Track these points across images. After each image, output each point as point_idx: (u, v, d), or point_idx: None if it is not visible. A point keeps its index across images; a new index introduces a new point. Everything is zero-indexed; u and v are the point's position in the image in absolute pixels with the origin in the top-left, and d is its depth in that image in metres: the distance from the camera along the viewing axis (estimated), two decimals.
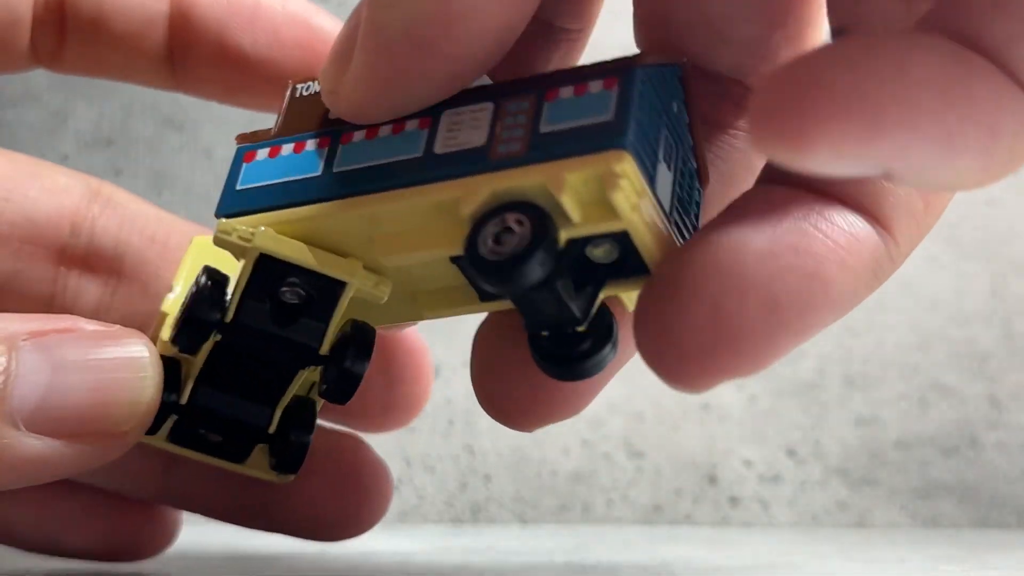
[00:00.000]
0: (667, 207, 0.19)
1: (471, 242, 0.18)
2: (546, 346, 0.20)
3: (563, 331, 0.20)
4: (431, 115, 0.19)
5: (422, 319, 0.22)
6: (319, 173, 0.20)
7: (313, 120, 0.21)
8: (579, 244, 0.19)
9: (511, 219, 0.18)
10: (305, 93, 0.21)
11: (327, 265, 0.20)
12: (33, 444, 0.20)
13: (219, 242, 0.20)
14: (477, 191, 0.18)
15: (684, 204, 0.20)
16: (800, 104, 0.15)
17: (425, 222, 0.19)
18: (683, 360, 0.17)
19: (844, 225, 0.18)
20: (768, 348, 0.18)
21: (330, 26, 0.27)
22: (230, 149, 0.23)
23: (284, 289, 0.20)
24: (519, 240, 0.18)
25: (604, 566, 0.28)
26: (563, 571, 0.27)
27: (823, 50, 0.15)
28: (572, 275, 0.19)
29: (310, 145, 0.21)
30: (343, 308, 0.21)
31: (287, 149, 0.21)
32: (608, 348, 0.20)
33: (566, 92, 0.19)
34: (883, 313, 0.42)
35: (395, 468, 0.41)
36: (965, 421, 0.42)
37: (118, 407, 0.21)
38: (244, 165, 0.21)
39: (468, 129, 0.19)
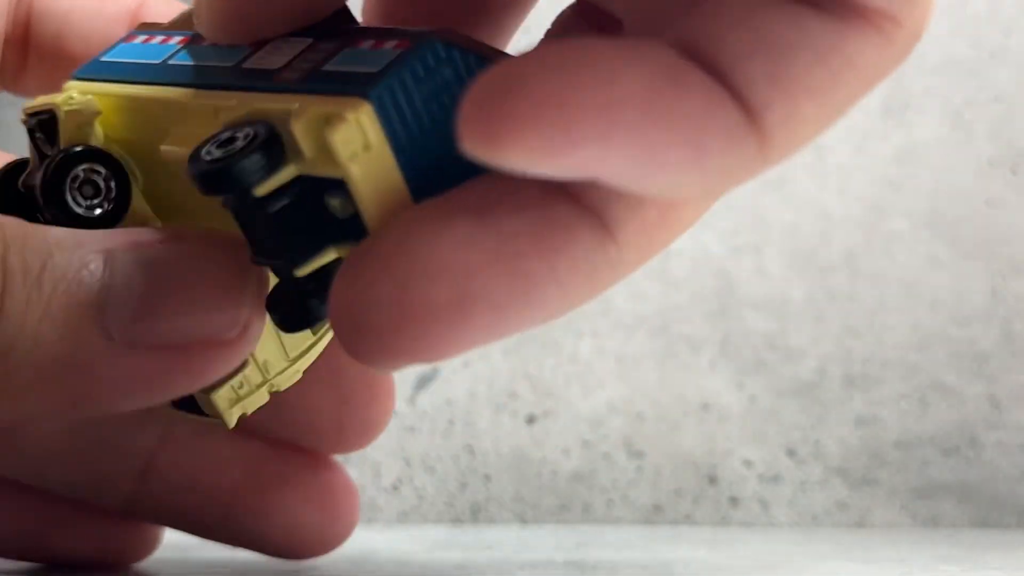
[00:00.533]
0: (422, 184, 0.18)
1: (198, 146, 0.18)
2: (278, 289, 0.20)
3: (286, 275, 0.19)
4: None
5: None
6: (157, 61, 0.21)
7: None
8: (317, 189, 0.18)
9: (240, 133, 0.18)
10: None
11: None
12: (132, 359, 0.19)
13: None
14: (237, 106, 0.19)
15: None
16: (499, 106, 0.15)
17: (201, 127, 0.19)
18: (367, 338, 0.17)
19: (559, 225, 0.17)
20: (455, 340, 0.17)
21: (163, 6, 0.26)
22: None
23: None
24: (236, 146, 0.18)
25: (604, 566, 0.28)
26: (563, 571, 0.27)
27: (536, 52, 0.15)
28: (304, 220, 0.19)
29: (174, 40, 0.21)
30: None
31: (157, 39, 0.21)
32: (319, 310, 0.19)
33: (367, 44, 0.19)
34: (883, 313, 0.42)
35: (395, 468, 0.41)
36: (965, 421, 0.42)
37: (220, 314, 0.20)
38: (120, 43, 0.22)
39: (276, 54, 0.19)
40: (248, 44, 0.20)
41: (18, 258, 0.19)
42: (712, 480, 0.41)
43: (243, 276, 0.20)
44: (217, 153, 0.18)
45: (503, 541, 0.35)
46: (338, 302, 0.17)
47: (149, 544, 0.29)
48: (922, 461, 0.42)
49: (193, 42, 0.21)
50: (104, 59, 0.22)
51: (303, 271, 0.19)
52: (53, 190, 0.21)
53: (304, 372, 0.22)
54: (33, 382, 0.19)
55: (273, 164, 0.18)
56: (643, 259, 0.18)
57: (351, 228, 0.18)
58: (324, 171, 0.18)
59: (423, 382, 0.41)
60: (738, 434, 0.42)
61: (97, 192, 0.21)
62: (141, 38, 0.22)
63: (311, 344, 0.22)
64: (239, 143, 0.18)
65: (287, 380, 0.22)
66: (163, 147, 0.20)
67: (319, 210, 0.18)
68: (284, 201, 0.18)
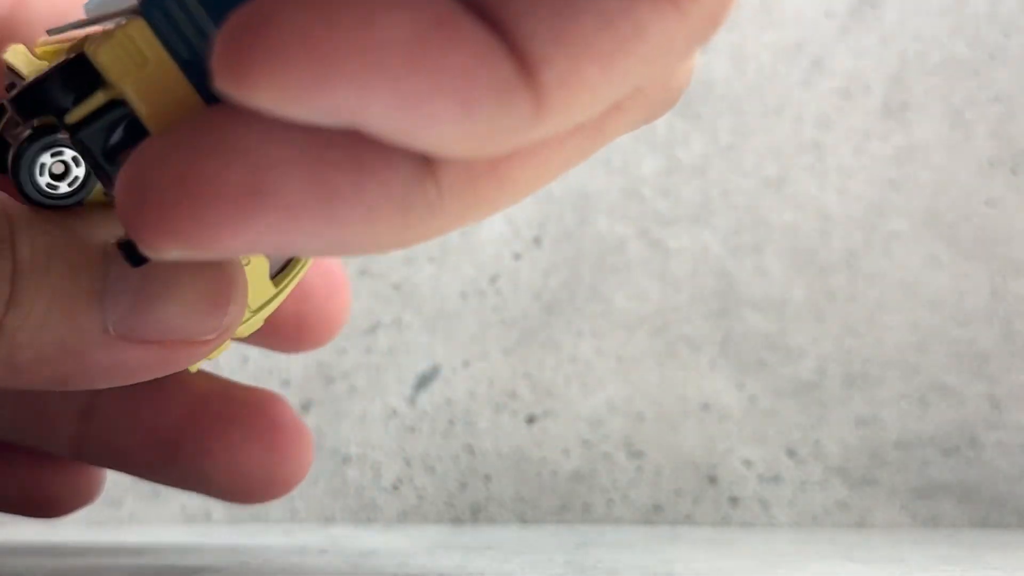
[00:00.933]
0: (201, 78, 0.18)
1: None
2: None
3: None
4: None
5: None
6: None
7: None
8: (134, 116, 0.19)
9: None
10: None
11: None
12: (121, 350, 0.20)
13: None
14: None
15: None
16: (249, 41, 0.14)
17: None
18: (146, 213, 0.16)
19: (376, 148, 0.16)
20: (238, 232, 0.16)
21: None
22: None
23: None
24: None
25: (604, 566, 0.28)
26: (563, 571, 0.27)
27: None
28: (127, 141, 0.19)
29: None
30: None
31: None
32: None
33: None
34: (883, 313, 0.42)
35: (395, 468, 0.41)
36: (965, 421, 0.42)
37: (208, 317, 0.20)
38: None
39: None
40: None
41: (28, 247, 0.20)
42: (712, 480, 0.41)
43: (231, 279, 0.20)
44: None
45: (503, 541, 0.35)
46: (124, 177, 0.16)
47: (90, 490, 0.28)
48: (922, 461, 0.42)
49: None
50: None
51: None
52: (20, 170, 0.21)
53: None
54: (32, 362, 0.20)
55: (83, 88, 0.18)
56: (465, 214, 0.17)
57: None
58: (115, 94, 0.18)
59: (423, 382, 0.41)
60: (738, 434, 0.42)
61: (66, 172, 0.21)
62: None
63: (273, 296, 0.22)
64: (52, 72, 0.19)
65: (249, 329, 0.22)
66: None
67: (140, 134, 0.19)
68: (100, 125, 0.19)
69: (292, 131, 0.16)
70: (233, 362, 0.42)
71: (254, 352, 0.42)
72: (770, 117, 0.42)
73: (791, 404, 0.42)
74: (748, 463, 0.42)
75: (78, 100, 0.19)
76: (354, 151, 0.16)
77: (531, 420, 0.42)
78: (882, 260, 0.42)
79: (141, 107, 0.18)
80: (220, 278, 0.20)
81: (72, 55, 0.19)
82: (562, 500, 0.41)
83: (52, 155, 0.20)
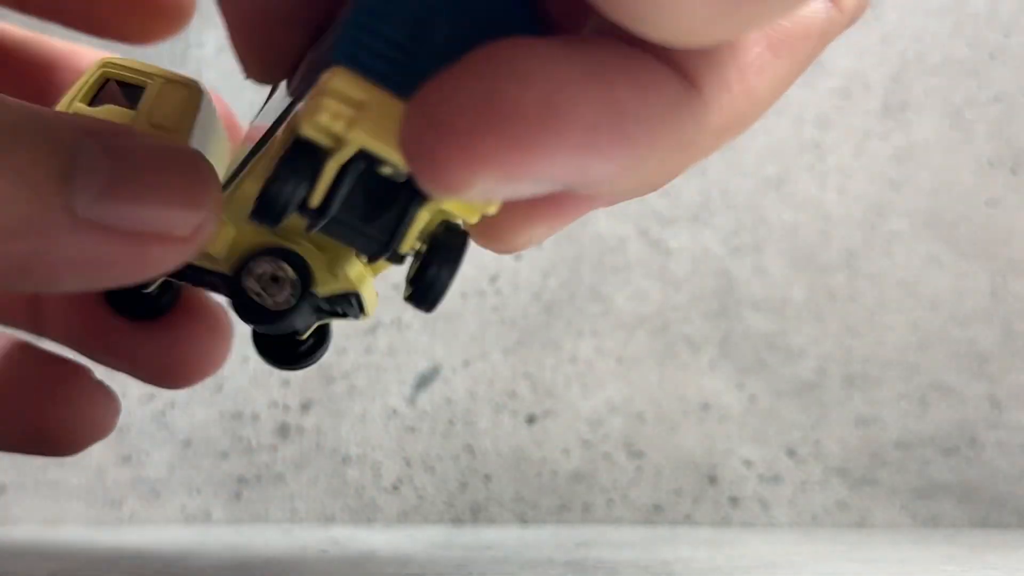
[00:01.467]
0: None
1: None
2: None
3: (396, 259, 0.20)
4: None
5: None
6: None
7: None
8: (369, 166, 0.18)
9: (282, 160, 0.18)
10: None
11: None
12: (90, 238, 0.19)
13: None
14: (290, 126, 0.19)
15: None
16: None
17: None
18: (446, 143, 0.15)
19: (647, 66, 0.16)
20: (541, 154, 0.15)
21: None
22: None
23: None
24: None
25: (604, 566, 0.28)
26: (563, 571, 0.27)
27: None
28: (376, 200, 0.19)
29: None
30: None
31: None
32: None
33: (344, 12, 0.18)
34: (883, 313, 0.42)
35: (395, 468, 0.41)
36: (965, 421, 0.42)
37: (180, 210, 0.20)
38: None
39: (305, 79, 0.19)
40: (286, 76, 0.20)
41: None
42: (712, 480, 0.41)
43: (205, 179, 0.20)
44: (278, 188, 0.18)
45: (503, 541, 0.35)
46: (416, 117, 0.15)
47: (105, 423, 0.27)
48: (922, 461, 0.42)
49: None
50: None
51: (406, 245, 0.19)
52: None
53: None
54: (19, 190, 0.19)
55: (310, 171, 0.18)
56: (724, 130, 0.18)
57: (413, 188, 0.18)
58: (347, 153, 0.18)
59: (423, 382, 0.41)
60: (738, 434, 0.42)
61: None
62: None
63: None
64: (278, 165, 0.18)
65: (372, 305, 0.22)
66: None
67: (384, 186, 0.19)
68: (342, 195, 0.18)
69: (574, 53, 0.16)
70: (233, 362, 0.42)
71: (254, 351, 0.42)
72: (770, 117, 0.42)
73: (791, 404, 0.42)
74: (748, 463, 0.42)
75: (312, 183, 0.18)
76: (631, 70, 0.16)
77: (531, 420, 0.42)
78: (882, 260, 0.42)
79: (378, 146, 0.18)
80: (195, 170, 0.20)
81: (284, 149, 0.18)
82: (562, 500, 0.41)
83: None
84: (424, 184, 0.15)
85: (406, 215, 0.19)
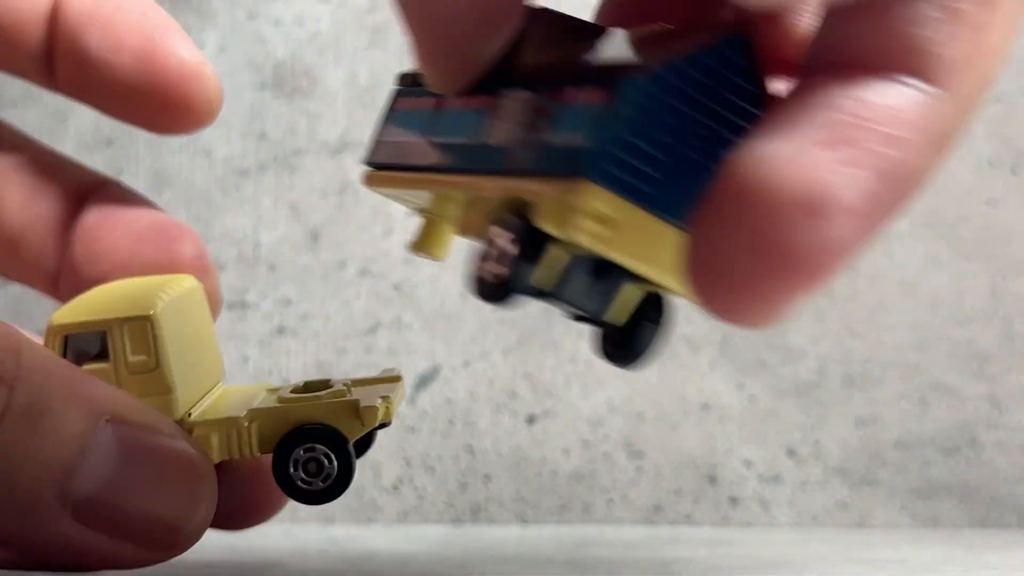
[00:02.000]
0: (673, 206, 0.19)
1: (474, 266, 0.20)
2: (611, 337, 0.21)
3: (607, 329, 0.21)
4: (494, 93, 0.20)
5: None
6: (423, 139, 0.21)
7: None
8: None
9: (503, 239, 0.19)
10: None
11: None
12: (74, 531, 0.20)
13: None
14: (490, 192, 0.19)
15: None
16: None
17: (474, 206, 0.21)
18: (734, 291, 0.16)
19: (879, 99, 0.16)
20: (830, 254, 0.16)
21: (180, 46, 0.27)
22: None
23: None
24: (510, 248, 0.19)
25: (604, 566, 0.28)
26: (563, 571, 0.27)
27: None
28: (593, 276, 0.20)
29: (428, 104, 0.21)
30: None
31: (417, 105, 0.22)
32: (644, 343, 0.21)
33: (569, 95, 0.19)
34: (883, 313, 0.42)
35: (395, 468, 0.41)
36: (965, 421, 0.42)
37: (173, 518, 0.21)
38: (392, 112, 0.22)
39: (505, 121, 0.20)
40: (470, 90, 0.20)
41: (25, 397, 0.20)
42: (712, 480, 0.41)
43: (201, 492, 0.21)
44: (492, 269, 0.19)
45: (503, 541, 0.35)
46: (696, 275, 0.16)
47: (278, 500, 0.28)
48: (922, 461, 0.42)
49: (441, 105, 0.21)
50: (386, 140, 0.22)
51: (613, 315, 0.20)
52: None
53: None
54: (16, 479, 0.19)
55: (535, 257, 0.19)
56: (976, 96, 0.18)
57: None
58: (585, 251, 0.19)
59: (423, 382, 0.41)
60: (738, 434, 0.42)
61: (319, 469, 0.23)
62: (406, 103, 0.22)
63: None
64: (507, 252, 0.19)
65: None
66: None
67: (599, 263, 0.20)
68: (573, 284, 0.19)
69: (808, 121, 0.16)
70: (233, 362, 0.42)
71: (254, 351, 0.42)
72: None
73: (791, 404, 0.42)
74: (748, 463, 0.42)
75: (533, 261, 0.19)
76: (853, 149, 0.17)
77: (531, 420, 0.42)
78: (882, 260, 0.42)
79: (634, 263, 0.18)
80: (194, 483, 0.21)
81: (517, 232, 0.19)
82: (562, 500, 0.41)
83: (305, 451, 0.20)
84: (717, 317, 0.16)
85: (617, 289, 0.20)
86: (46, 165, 0.29)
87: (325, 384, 0.26)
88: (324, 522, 0.41)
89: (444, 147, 0.21)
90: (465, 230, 0.21)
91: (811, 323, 0.42)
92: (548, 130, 0.19)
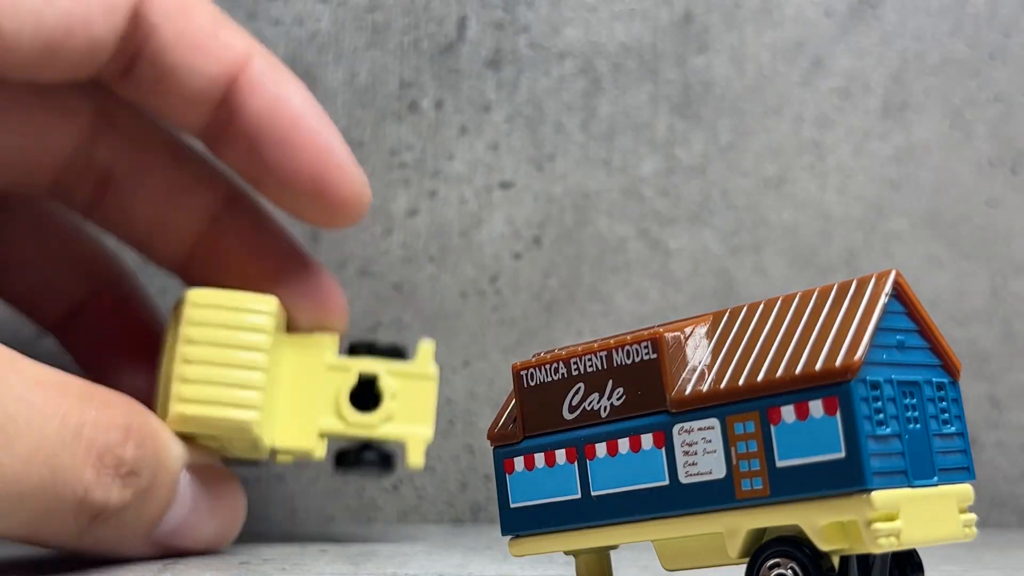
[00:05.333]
0: (924, 470, 0.20)
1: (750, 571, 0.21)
2: None
3: None
4: (663, 430, 0.21)
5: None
6: (579, 497, 0.22)
7: (549, 416, 0.23)
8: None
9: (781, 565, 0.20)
10: (531, 383, 0.24)
11: None
12: (149, 552, 0.28)
13: None
14: (736, 529, 0.20)
15: (941, 429, 0.21)
16: None
17: (689, 544, 0.22)
18: None
19: None
20: None
21: (352, 178, 0.31)
22: None
23: None
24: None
25: None
26: (563, 571, 0.27)
27: None
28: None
29: (560, 458, 0.23)
30: None
31: (539, 461, 0.23)
32: None
33: (788, 414, 0.20)
34: None
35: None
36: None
37: (225, 534, 0.30)
38: (507, 477, 0.24)
39: (704, 455, 0.21)
40: (630, 437, 0.22)
41: (147, 481, 0.26)
42: None
43: (241, 507, 0.30)
44: None
45: (503, 541, 0.35)
46: None
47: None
48: None
49: (583, 456, 0.23)
50: (516, 506, 0.24)
51: None
52: None
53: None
54: (118, 539, 0.26)
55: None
56: None
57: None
58: (849, 551, 0.20)
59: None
60: None
61: None
62: (520, 463, 0.24)
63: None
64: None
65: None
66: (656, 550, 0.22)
67: None
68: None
69: None
70: None
71: None
72: (770, 117, 0.42)
73: None
74: None
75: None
76: None
77: None
78: (882, 260, 0.42)
79: (924, 541, 0.20)
80: (237, 511, 0.30)
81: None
82: None
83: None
84: None
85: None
86: (194, 162, 0.33)
87: (371, 346, 0.33)
88: (324, 522, 0.41)
89: (615, 498, 0.22)
90: (673, 563, 0.22)
91: None
92: (777, 457, 0.20)
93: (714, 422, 0.21)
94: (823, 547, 0.19)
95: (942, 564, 0.28)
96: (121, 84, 0.31)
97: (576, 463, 0.23)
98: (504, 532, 0.24)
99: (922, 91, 0.42)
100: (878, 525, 0.19)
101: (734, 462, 0.20)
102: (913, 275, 0.42)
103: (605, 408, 0.22)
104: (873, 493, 0.19)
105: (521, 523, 0.23)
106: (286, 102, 0.31)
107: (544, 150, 0.42)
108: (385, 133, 0.42)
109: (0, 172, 0.31)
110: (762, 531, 0.20)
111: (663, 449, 0.21)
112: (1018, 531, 0.40)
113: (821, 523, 0.19)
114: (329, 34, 0.42)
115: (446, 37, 0.42)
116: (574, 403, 0.23)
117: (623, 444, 0.22)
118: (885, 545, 0.19)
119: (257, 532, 0.37)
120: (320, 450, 0.32)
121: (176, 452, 0.27)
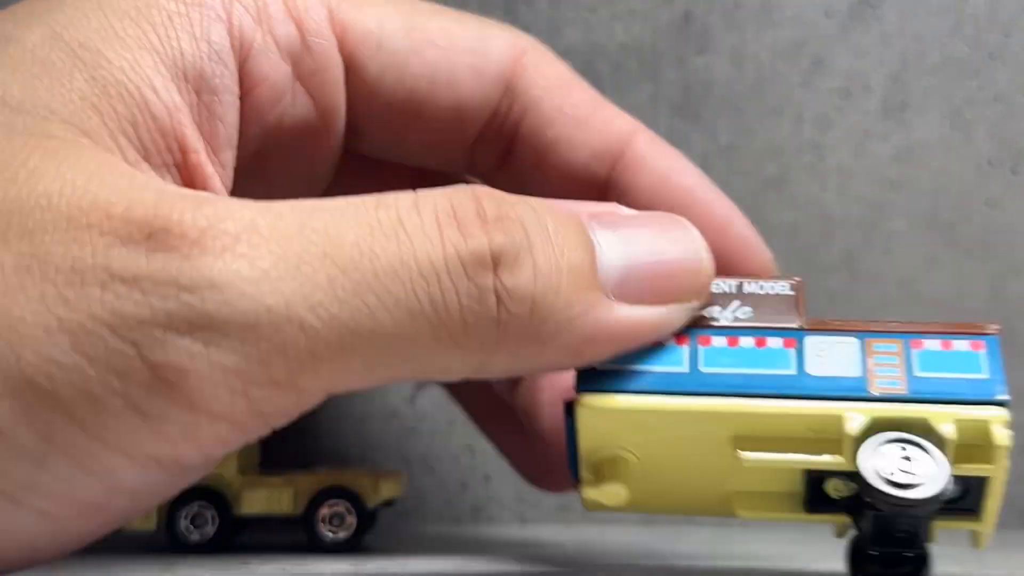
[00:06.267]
0: None
1: (864, 468, 0.21)
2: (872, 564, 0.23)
3: (892, 552, 0.23)
4: (795, 337, 0.22)
5: (733, 516, 0.24)
6: (686, 370, 0.22)
7: None
8: (818, 479, 0.22)
9: (906, 452, 0.21)
10: None
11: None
12: (625, 311, 0.22)
13: None
14: (865, 419, 0.21)
15: None
16: None
17: (799, 432, 0.22)
18: None
19: None
20: None
21: (751, 237, 0.30)
22: None
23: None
24: (923, 477, 0.21)
25: (604, 566, 0.28)
26: (563, 571, 0.27)
27: None
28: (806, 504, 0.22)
29: (667, 342, 0.23)
30: None
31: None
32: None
33: (931, 344, 0.22)
34: (883, 313, 0.42)
35: (395, 468, 0.41)
36: None
37: (683, 275, 0.23)
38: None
39: (838, 357, 0.22)
40: (751, 335, 0.23)
41: (538, 225, 0.21)
42: None
43: (688, 229, 0.24)
44: (901, 474, 0.21)
45: (503, 541, 0.35)
46: None
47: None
48: None
49: (696, 343, 0.23)
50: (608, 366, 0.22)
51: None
52: None
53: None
54: (552, 334, 0.21)
55: (937, 500, 0.21)
56: None
57: (962, 505, 0.22)
58: (969, 472, 0.22)
59: (423, 383, 0.41)
60: None
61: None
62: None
63: None
64: (911, 460, 0.21)
65: None
66: (744, 454, 0.22)
67: (821, 495, 0.22)
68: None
69: None
70: None
71: None
72: (770, 117, 0.42)
73: None
74: None
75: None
76: None
77: None
78: (882, 260, 0.42)
79: (997, 487, 0.22)
80: (686, 241, 0.24)
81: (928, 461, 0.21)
82: (562, 500, 0.41)
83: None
84: None
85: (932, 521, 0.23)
86: None
87: None
88: None
89: (729, 377, 0.22)
90: (768, 450, 0.22)
91: None
92: (916, 368, 0.22)
93: (853, 340, 0.22)
94: (948, 455, 0.21)
95: (942, 565, 0.28)
96: (501, 172, 0.29)
97: (687, 346, 0.23)
98: (579, 389, 0.22)
99: (922, 91, 0.42)
100: (1004, 429, 0.21)
101: (870, 366, 0.22)
102: (913, 275, 0.42)
103: (724, 319, 0.23)
104: (1007, 411, 0.21)
105: (603, 382, 0.22)
106: (679, 175, 0.29)
107: None
108: None
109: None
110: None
111: (792, 349, 0.22)
112: (1019, 531, 0.40)
113: (953, 421, 0.21)
114: None
115: None
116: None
117: (746, 340, 0.22)
118: (1003, 445, 0.21)
119: (257, 531, 0.37)
120: None
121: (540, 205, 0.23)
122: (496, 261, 0.21)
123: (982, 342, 0.22)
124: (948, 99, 0.42)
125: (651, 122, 0.42)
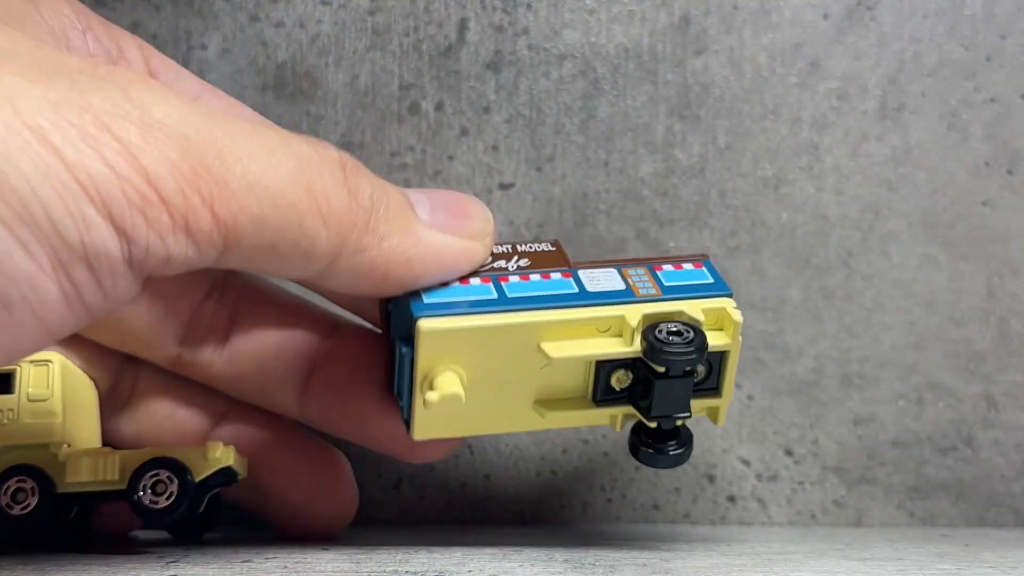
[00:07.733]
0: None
1: (649, 337, 0.28)
2: (648, 438, 0.30)
3: (667, 426, 0.29)
4: (570, 272, 0.29)
5: (541, 427, 0.30)
6: (495, 296, 0.28)
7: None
8: (606, 376, 0.29)
9: (672, 327, 0.28)
10: None
11: None
12: (439, 235, 0.28)
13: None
14: (638, 314, 0.28)
15: None
16: None
17: (591, 334, 0.28)
18: None
19: None
20: None
21: None
22: None
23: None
24: (684, 346, 0.28)
25: (604, 565, 0.28)
26: (563, 570, 0.27)
27: None
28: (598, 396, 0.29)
29: (474, 281, 0.29)
30: None
31: (454, 282, 0.29)
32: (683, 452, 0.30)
33: (667, 266, 0.30)
34: (880, 313, 0.42)
35: (396, 467, 0.42)
36: (962, 420, 0.42)
37: (475, 216, 0.29)
38: (434, 291, 0.29)
39: (605, 279, 0.29)
40: (537, 272, 0.30)
41: (380, 193, 0.28)
42: (710, 479, 0.42)
43: (482, 207, 0.30)
44: (675, 342, 0.28)
45: (503, 541, 0.35)
46: None
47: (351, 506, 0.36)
48: (919, 460, 0.42)
49: (497, 281, 0.29)
50: (429, 301, 0.28)
51: (684, 419, 0.29)
52: None
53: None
54: (386, 234, 0.27)
55: (703, 351, 0.28)
56: None
57: (706, 385, 0.30)
58: (715, 346, 0.29)
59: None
60: (736, 433, 0.42)
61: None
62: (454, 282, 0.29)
63: None
64: (678, 331, 0.28)
65: None
66: (544, 344, 0.28)
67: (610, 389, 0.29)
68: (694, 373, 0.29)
69: None
70: None
71: None
72: (767, 118, 0.42)
73: (789, 403, 0.42)
74: (746, 462, 0.42)
75: (700, 359, 0.29)
76: None
77: None
78: (879, 260, 0.42)
79: (734, 359, 0.30)
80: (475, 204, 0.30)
81: (687, 329, 0.29)
82: (562, 500, 0.42)
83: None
84: None
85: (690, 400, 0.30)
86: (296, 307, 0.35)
87: None
88: None
89: (530, 299, 0.29)
90: (569, 349, 0.28)
91: (808, 323, 0.42)
92: (663, 280, 0.30)
93: (612, 269, 0.30)
94: (708, 333, 0.29)
95: (937, 563, 0.28)
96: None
97: (491, 284, 0.29)
98: (416, 314, 0.27)
99: (919, 93, 0.42)
100: (735, 316, 0.29)
101: (631, 283, 0.29)
102: (910, 275, 0.42)
103: (512, 267, 0.29)
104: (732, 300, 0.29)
105: (434, 309, 0.28)
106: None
107: (544, 151, 0.42)
108: (386, 135, 0.42)
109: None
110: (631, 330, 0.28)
111: (571, 279, 0.29)
112: (1014, 530, 0.41)
113: (700, 310, 0.29)
114: (330, 36, 0.42)
115: (446, 39, 0.42)
116: (482, 268, 0.29)
117: (534, 276, 0.29)
118: (738, 321, 0.29)
119: (257, 531, 0.38)
120: None
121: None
122: (347, 174, 0.27)
123: (701, 263, 0.30)
124: (944, 101, 0.42)
125: (649, 124, 0.42)
